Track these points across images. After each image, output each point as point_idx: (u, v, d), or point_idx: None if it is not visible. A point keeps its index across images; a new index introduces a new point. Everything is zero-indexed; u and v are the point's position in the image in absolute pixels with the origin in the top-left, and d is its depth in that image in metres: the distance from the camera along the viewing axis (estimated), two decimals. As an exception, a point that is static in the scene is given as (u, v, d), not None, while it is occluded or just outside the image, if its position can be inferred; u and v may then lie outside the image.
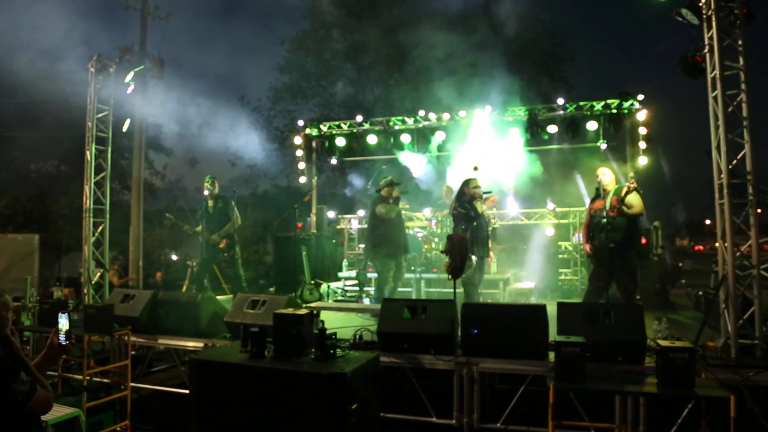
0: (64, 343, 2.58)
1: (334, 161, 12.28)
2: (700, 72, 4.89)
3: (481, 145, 9.70)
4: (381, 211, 7.04)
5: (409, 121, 10.67)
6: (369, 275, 9.16)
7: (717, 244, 4.79)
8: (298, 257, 9.13)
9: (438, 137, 10.31)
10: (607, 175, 5.96)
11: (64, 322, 2.60)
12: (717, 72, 4.66)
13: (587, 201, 6.20)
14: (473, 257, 6.30)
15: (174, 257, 19.45)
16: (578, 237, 9.45)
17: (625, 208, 5.63)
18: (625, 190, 5.71)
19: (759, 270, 4.53)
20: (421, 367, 4.68)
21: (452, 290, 5.77)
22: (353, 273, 9.67)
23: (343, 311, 7.58)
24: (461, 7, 18.70)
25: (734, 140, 4.63)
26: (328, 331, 3.57)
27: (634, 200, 5.64)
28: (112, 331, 5.25)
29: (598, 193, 5.95)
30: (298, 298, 8.03)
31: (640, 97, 9.13)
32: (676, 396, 3.68)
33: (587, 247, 6.03)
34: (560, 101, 9.64)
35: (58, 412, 3.95)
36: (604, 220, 5.60)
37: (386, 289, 7.07)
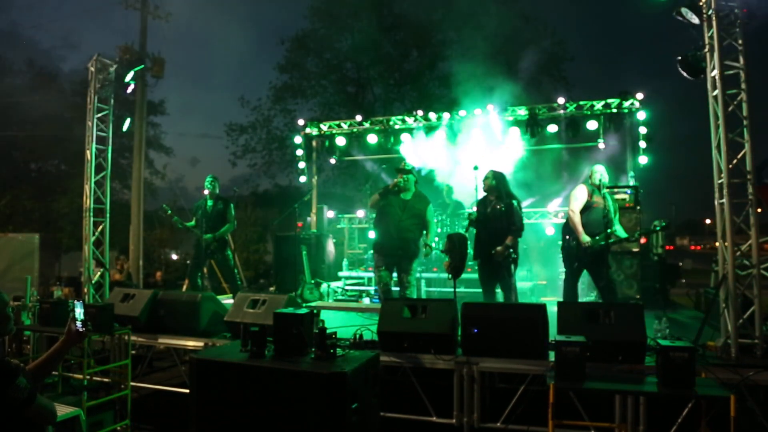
0: (81, 330, 2.70)
1: (333, 161, 12.29)
2: (700, 71, 4.89)
3: (482, 144, 9.71)
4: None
5: (409, 120, 10.67)
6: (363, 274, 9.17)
7: (717, 244, 4.80)
8: (298, 256, 9.14)
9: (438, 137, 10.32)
10: (604, 173, 5.96)
11: (79, 310, 2.74)
12: (717, 71, 4.66)
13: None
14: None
15: (174, 257, 19.49)
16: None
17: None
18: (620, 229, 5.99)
19: (759, 269, 4.53)
20: (421, 367, 4.68)
21: (452, 290, 5.78)
22: (353, 273, 9.68)
23: (344, 311, 7.59)
24: (462, 6, 18.71)
25: (734, 140, 4.63)
26: (328, 331, 3.57)
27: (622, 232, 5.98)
28: (113, 331, 5.25)
29: (595, 189, 5.95)
30: (299, 298, 8.03)
31: (640, 96, 9.14)
32: (676, 396, 3.68)
33: (587, 238, 5.75)
34: (560, 100, 9.64)
35: (58, 411, 3.94)
36: (615, 223, 5.79)
37: (379, 289, 6.43)
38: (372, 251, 6.49)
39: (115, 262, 12.11)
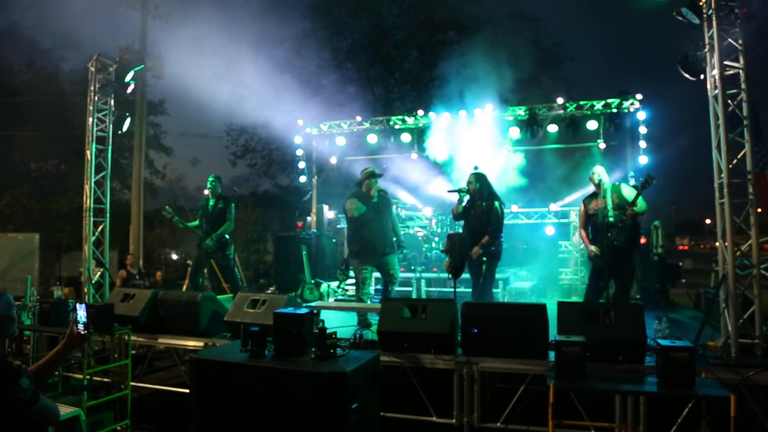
0: (83, 332, 2.71)
1: (334, 161, 12.30)
2: (700, 71, 4.89)
3: (482, 144, 9.71)
4: (346, 208, 6.55)
5: (410, 120, 10.67)
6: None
7: (717, 244, 4.80)
8: (298, 256, 9.15)
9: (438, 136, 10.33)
10: (603, 174, 5.98)
11: (82, 313, 2.75)
12: (717, 71, 4.66)
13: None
14: None
15: (174, 256, 19.48)
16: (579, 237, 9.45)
17: (635, 209, 5.65)
18: (626, 189, 5.85)
19: (759, 269, 4.53)
20: (421, 367, 4.68)
21: (452, 290, 5.78)
22: (351, 273, 9.68)
23: (344, 310, 7.59)
24: (462, 6, 18.69)
25: (734, 140, 4.63)
26: (328, 331, 3.58)
27: (641, 200, 5.67)
28: (113, 331, 5.25)
29: (595, 192, 5.99)
30: (299, 298, 8.03)
31: (640, 96, 9.14)
32: (676, 395, 3.68)
33: (593, 248, 5.84)
34: (560, 100, 9.64)
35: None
36: (611, 218, 5.70)
37: (362, 293, 6.49)
38: (353, 257, 6.57)
39: (125, 261, 12.11)
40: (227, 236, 7.55)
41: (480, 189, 6.21)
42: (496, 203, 6.12)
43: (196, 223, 7.49)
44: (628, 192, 5.81)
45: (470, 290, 7.81)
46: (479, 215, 6.13)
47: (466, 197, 6.27)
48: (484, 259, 6.03)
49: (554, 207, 10.28)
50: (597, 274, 5.93)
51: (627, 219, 5.68)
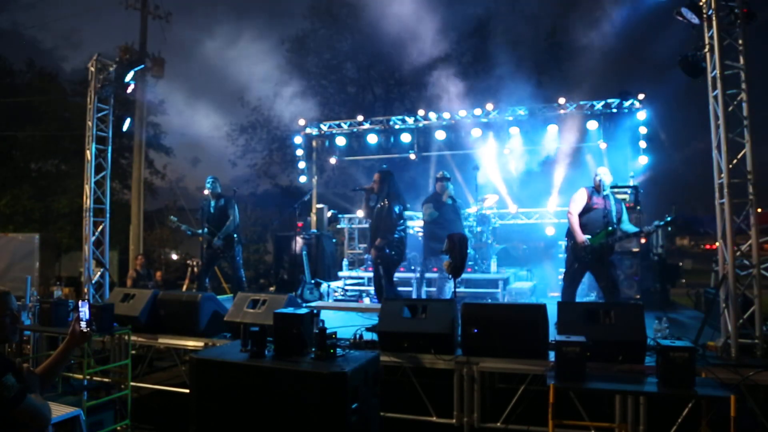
0: (85, 330, 2.68)
1: (334, 161, 12.29)
2: (700, 71, 4.89)
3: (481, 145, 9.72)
4: (424, 213, 7.12)
5: (410, 120, 10.67)
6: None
7: (717, 244, 4.80)
8: (298, 256, 9.14)
9: (438, 137, 10.33)
10: (606, 175, 5.98)
11: (84, 310, 2.72)
12: (717, 71, 4.66)
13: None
14: None
15: (174, 257, 19.48)
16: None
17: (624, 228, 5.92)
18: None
19: (759, 269, 4.53)
20: (421, 367, 4.68)
21: (452, 289, 5.78)
22: (353, 273, 9.67)
23: (344, 310, 7.59)
24: (462, 5, 18.68)
25: (735, 140, 4.63)
26: (328, 331, 3.58)
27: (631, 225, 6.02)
28: (113, 331, 5.25)
29: (597, 191, 5.98)
30: (299, 298, 8.03)
31: (641, 96, 9.13)
32: (676, 395, 3.68)
33: (584, 237, 5.81)
34: (561, 100, 9.63)
35: (59, 411, 3.95)
36: (613, 228, 5.78)
37: (447, 287, 6.82)
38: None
39: (134, 262, 12.15)
40: (235, 236, 7.53)
41: (381, 188, 6.25)
42: (393, 204, 6.16)
43: (205, 230, 7.46)
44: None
45: (471, 290, 7.84)
46: (377, 215, 6.24)
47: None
48: (385, 258, 6.17)
49: (554, 207, 10.26)
50: (579, 271, 5.99)
51: (622, 235, 5.89)
